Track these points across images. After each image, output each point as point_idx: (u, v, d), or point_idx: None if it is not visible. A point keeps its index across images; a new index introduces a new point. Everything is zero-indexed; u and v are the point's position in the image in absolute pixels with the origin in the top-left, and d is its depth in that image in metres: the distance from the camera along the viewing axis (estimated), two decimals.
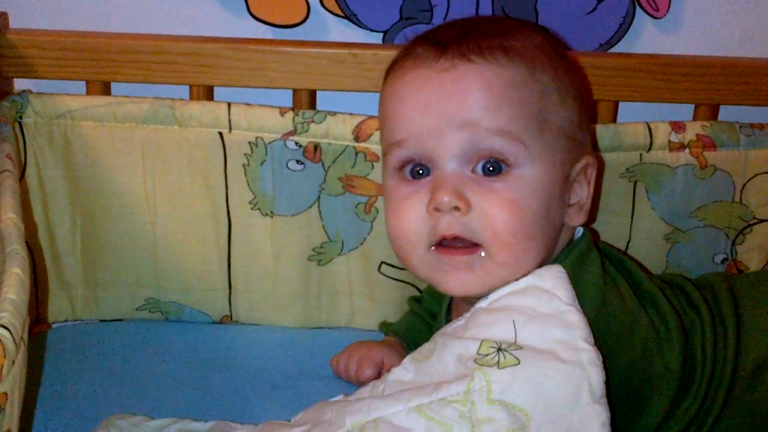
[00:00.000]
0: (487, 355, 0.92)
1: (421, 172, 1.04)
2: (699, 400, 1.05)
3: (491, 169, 1.01)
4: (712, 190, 1.33)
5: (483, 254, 1.00)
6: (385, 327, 1.34)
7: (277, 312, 1.39)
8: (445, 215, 1.00)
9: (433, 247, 1.03)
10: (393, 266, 1.35)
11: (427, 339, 1.11)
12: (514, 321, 0.95)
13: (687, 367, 1.05)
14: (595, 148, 1.27)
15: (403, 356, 1.23)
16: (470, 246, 1.01)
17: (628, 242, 1.36)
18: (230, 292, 1.39)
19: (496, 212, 1.00)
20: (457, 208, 0.99)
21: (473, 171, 1.01)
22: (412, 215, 1.03)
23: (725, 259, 1.38)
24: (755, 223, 1.36)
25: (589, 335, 0.94)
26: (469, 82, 1.01)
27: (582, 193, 1.08)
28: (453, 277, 1.02)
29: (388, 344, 1.29)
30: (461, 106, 1.00)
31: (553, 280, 0.98)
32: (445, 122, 1.00)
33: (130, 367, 1.28)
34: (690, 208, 1.34)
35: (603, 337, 0.95)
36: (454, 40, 1.04)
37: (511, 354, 0.92)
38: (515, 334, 0.94)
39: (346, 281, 1.38)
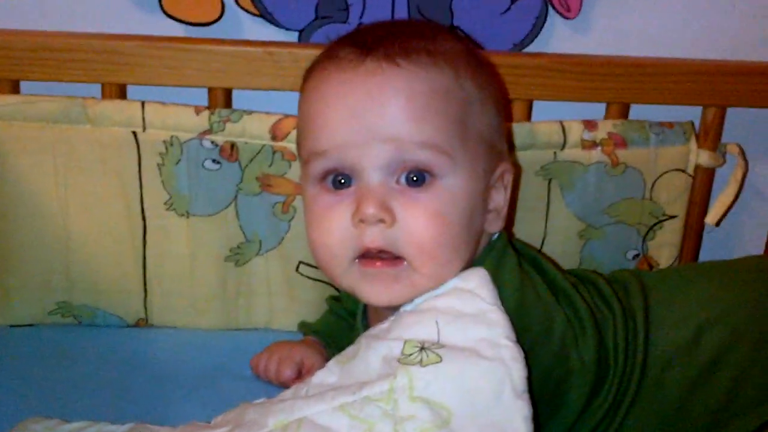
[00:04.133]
0: (410, 354, 0.92)
1: (342, 182, 1.02)
2: (612, 394, 1.07)
3: (415, 179, 1.00)
4: (623, 188, 1.36)
5: (406, 265, 1.00)
6: (304, 327, 1.33)
7: (195, 314, 1.38)
8: (370, 227, 0.99)
9: (356, 260, 1.02)
10: (311, 266, 1.35)
11: (346, 338, 1.11)
12: (437, 321, 0.95)
13: (601, 361, 1.07)
14: (511, 147, 1.29)
15: (323, 356, 1.24)
16: (393, 259, 1.00)
17: (543, 239, 1.38)
18: (145, 295, 1.36)
19: (421, 225, 0.99)
20: (382, 221, 0.99)
21: (397, 182, 1.00)
22: (335, 226, 1.01)
23: (637, 255, 1.41)
24: (665, 220, 1.39)
25: (511, 333, 0.94)
26: (394, 91, 0.99)
27: (499, 199, 1.08)
28: (378, 288, 1.01)
29: (307, 344, 1.28)
30: (386, 118, 0.99)
31: (476, 281, 0.98)
32: (370, 135, 0.99)
33: (43, 372, 1.25)
34: (602, 205, 1.37)
35: (522, 334, 0.96)
36: (378, 42, 1.02)
37: (433, 352, 0.92)
38: (438, 333, 0.94)
39: (264, 282, 1.37)
